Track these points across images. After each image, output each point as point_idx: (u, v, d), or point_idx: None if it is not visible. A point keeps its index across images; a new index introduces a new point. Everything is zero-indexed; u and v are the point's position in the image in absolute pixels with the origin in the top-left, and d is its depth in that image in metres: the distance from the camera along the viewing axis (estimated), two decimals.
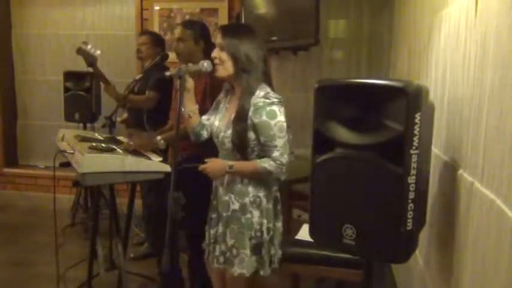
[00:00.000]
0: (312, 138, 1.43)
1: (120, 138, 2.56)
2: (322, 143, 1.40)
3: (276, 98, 1.88)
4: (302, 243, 2.19)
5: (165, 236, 1.69)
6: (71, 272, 2.81)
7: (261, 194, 1.95)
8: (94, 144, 2.13)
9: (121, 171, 1.95)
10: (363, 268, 1.52)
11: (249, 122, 1.87)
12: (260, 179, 1.94)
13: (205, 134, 2.08)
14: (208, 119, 2.08)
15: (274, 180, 1.97)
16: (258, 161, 1.89)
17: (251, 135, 1.89)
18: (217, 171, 1.94)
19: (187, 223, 2.26)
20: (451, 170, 1.45)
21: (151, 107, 3.09)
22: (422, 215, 1.36)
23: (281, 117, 1.86)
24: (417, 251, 1.75)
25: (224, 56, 1.91)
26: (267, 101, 1.86)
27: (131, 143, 2.29)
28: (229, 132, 1.92)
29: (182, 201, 1.80)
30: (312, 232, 1.48)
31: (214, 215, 2.07)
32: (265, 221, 1.95)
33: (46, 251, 3.33)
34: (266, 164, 1.86)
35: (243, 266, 1.92)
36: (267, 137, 1.86)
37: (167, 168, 2.01)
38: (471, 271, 1.20)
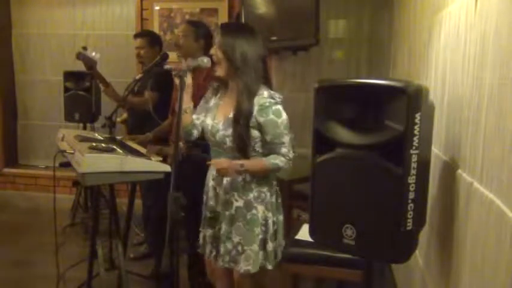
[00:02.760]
0: (312, 138, 1.43)
1: (120, 138, 2.56)
2: (322, 143, 1.40)
3: (279, 98, 1.94)
4: (302, 243, 2.19)
5: (164, 237, 1.69)
6: (71, 272, 2.80)
7: (264, 189, 1.98)
8: (94, 144, 2.13)
9: (121, 171, 1.95)
10: (363, 268, 1.52)
11: (253, 120, 1.89)
12: (267, 175, 1.98)
13: (195, 133, 2.09)
14: (198, 118, 2.08)
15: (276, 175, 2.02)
16: (266, 158, 1.92)
17: (255, 133, 1.91)
18: (230, 170, 1.89)
19: (187, 223, 2.27)
20: (450, 170, 1.45)
21: (152, 107, 3.08)
22: (422, 215, 1.36)
23: (285, 116, 1.92)
24: (417, 251, 1.75)
25: (220, 54, 1.92)
26: (273, 100, 1.91)
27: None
28: (230, 131, 1.92)
29: (183, 202, 1.80)
30: (312, 232, 1.48)
31: (211, 214, 2.06)
32: (270, 215, 1.98)
33: (46, 251, 3.32)
34: (277, 160, 1.91)
35: (249, 262, 1.94)
36: (274, 134, 1.90)
37: (167, 168, 2.01)
38: (470, 271, 1.20)
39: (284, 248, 2.09)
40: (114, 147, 2.12)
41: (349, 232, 1.34)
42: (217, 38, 1.95)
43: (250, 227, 1.95)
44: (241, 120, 1.88)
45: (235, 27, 2.10)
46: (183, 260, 2.76)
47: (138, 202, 3.26)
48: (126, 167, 1.96)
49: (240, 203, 1.96)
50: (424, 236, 1.66)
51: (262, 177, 1.98)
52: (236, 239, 1.96)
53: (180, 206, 1.77)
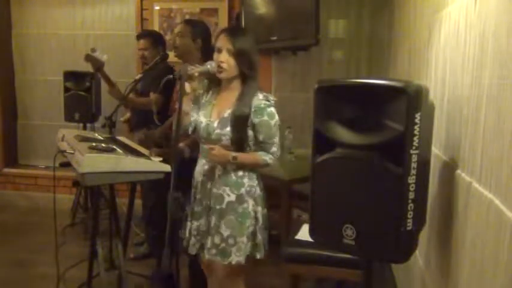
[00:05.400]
0: (312, 138, 1.44)
1: (120, 138, 2.56)
2: (322, 143, 1.40)
3: (273, 100, 2.06)
4: (302, 243, 2.19)
5: (164, 236, 1.70)
6: (71, 272, 2.81)
7: (255, 183, 2.09)
8: (94, 144, 2.13)
9: (121, 171, 1.95)
10: (363, 268, 1.52)
11: (249, 121, 2.01)
12: (255, 169, 2.10)
13: (190, 130, 2.17)
14: (192, 116, 2.15)
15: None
16: (259, 153, 2.04)
17: (250, 133, 2.02)
18: (221, 158, 2.02)
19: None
20: (450, 169, 1.45)
21: (156, 109, 3.09)
22: (422, 215, 1.36)
23: (277, 118, 2.06)
24: (417, 251, 1.75)
25: (231, 61, 2.01)
26: (267, 102, 2.03)
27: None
28: (227, 129, 2.02)
29: (182, 201, 1.80)
30: (312, 232, 1.48)
31: (199, 208, 2.13)
32: (259, 208, 2.08)
33: (46, 251, 3.33)
34: (267, 157, 2.04)
35: (240, 253, 2.03)
36: (267, 134, 2.02)
37: (167, 168, 2.01)
38: (470, 271, 1.20)
39: (284, 248, 2.11)
40: (114, 147, 2.12)
41: (349, 232, 1.34)
42: (227, 45, 2.00)
43: (242, 219, 2.03)
44: (241, 120, 2.00)
45: (244, 33, 2.14)
46: (184, 259, 2.77)
47: (138, 202, 3.26)
48: (126, 167, 1.96)
49: (232, 197, 2.05)
50: (424, 236, 1.66)
51: (252, 172, 2.09)
52: (227, 233, 2.03)
53: (180, 206, 1.78)
